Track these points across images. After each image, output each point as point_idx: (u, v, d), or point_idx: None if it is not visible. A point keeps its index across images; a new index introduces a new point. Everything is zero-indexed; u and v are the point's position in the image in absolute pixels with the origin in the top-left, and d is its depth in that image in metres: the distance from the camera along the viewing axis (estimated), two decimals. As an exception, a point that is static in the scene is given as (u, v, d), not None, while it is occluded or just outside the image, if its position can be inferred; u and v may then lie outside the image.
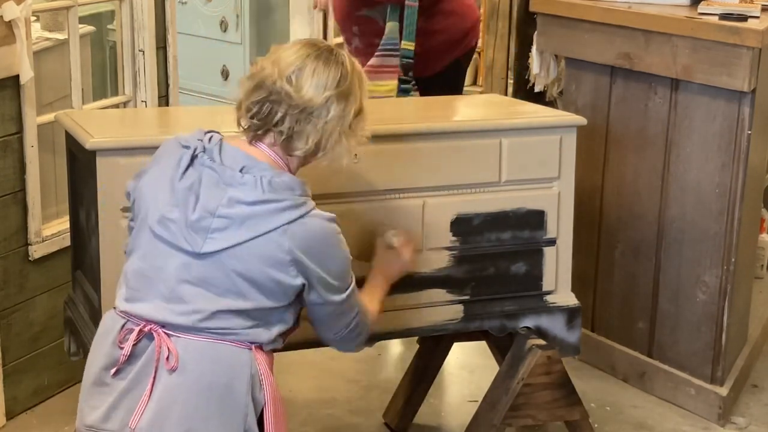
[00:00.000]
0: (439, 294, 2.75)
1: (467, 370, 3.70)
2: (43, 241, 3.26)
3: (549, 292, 2.86)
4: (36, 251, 3.25)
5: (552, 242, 2.83)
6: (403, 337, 3.04)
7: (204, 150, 2.16)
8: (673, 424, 3.42)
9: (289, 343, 2.57)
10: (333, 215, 2.18)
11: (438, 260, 2.73)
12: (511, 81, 4.98)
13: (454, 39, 3.73)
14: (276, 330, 2.17)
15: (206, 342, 2.09)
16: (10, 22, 3.00)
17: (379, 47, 3.60)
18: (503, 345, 2.92)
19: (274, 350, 2.22)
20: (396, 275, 2.54)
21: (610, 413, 3.46)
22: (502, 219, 2.77)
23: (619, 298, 3.65)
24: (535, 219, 2.80)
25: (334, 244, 2.17)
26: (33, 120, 3.18)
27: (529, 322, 2.85)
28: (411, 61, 3.59)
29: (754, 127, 3.25)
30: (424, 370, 3.27)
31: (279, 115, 2.14)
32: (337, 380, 3.62)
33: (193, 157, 2.15)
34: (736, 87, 3.19)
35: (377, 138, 2.62)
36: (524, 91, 4.75)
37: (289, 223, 2.09)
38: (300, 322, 2.25)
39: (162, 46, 3.67)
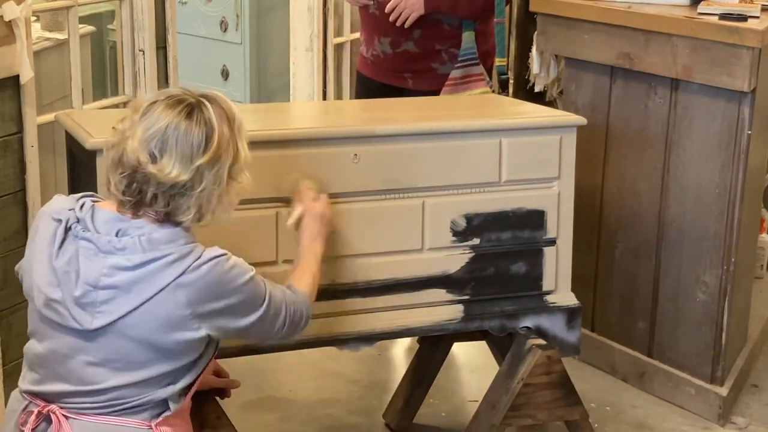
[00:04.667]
0: (439, 294, 2.75)
1: (467, 370, 3.70)
2: (43, 241, 3.26)
3: (549, 292, 2.86)
4: (36, 251, 3.24)
5: (552, 242, 2.83)
6: (403, 337, 3.04)
7: (78, 220, 2.04)
8: (673, 424, 3.42)
9: (288, 343, 2.58)
10: (222, 251, 2.06)
11: (438, 260, 2.73)
12: (511, 81, 4.98)
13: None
14: (182, 383, 2.09)
15: (102, 423, 2.03)
16: (10, 22, 3.00)
17: (459, 58, 3.61)
18: (503, 345, 2.92)
19: (182, 408, 2.13)
20: (316, 235, 2.43)
21: (610, 413, 3.46)
22: (502, 219, 2.77)
23: (619, 298, 3.65)
24: (535, 219, 2.80)
25: (231, 280, 2.06)
26: (33, 120, 3.18)
27: (529, 322, 2.85)
28: (507, 76, 3.67)
29: (754, 127, 3.25)
30: (424, 370, 3.27)
31: (150, 194, 2.01)
32: (337, 380, 3.62)
33: (67, 230, 2.04)
34: (736, 87, 3.19)
35: (377, 138, 2.63)
36: (524, 91, 4.75)
37: (178, 276, 1.99)
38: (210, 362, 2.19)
39: (162, 46, 3.68)
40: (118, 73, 3.71)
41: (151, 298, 1.99)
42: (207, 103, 2.06)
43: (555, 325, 2.87)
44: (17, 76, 3.10)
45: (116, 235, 2.01)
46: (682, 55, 3.28)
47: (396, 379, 3.38)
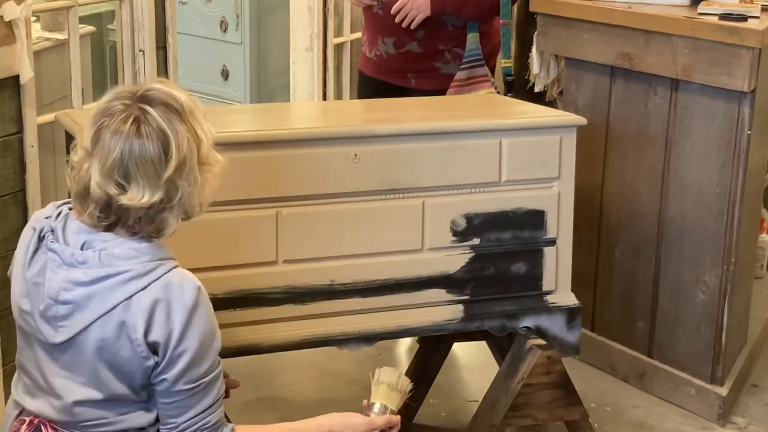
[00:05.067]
0: (439, 294, 2.75)
1: (467, 370, 3.70)
2: (43, 241, 3.26)
3: (549, 292, 2.86)
4: (36, 251, 3.24)
5: (552, 242, 2.84)
6: (403, 337, 3.04)
7: (51, 230, 2.00)
8: (673, 424, 3.42)
9: (289, 342, 2.58)
10: (193, 282, 1.96)
11: (438, 260, 2.73)
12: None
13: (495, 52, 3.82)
14: (156, 412, 2.02)
15: None
16: (10, 22, 3.00)
17: (464, 60, 3.63)
18: (503, 345, 2.92)
19: None
20: (336, 428, 2.29)
21: (610, 413, 3.46)
22: (502, 219, 2.77)
23: (619, 298, 3.65)
24: (535, 219, 2.80)
25: (191, 316, 1.94)
26: (33, 120, 3.18)
27: (529, 322, 2.85)
28: (512, 77, 3.68)
29: (754, 127, 3.25)
30: (424, 370, 3.27)
31: (132, 219, 1.94)
32: (337, 380, 3.61)
33: (41, 239, 2.01)
34: (736, 87, 3.19)
35: (377, 138, 2.63)
36: (524, 91, 4.75)
37: (131, 296, 1.91)
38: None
39: (162, 46, 3.67)
40: (118, 73, 3.71)
41: (103, 315, 1.93)
42: (149, 108, 1.93)
43: (555, 325, 2.87)
44: (17, 76, 3.10)
45: (81, 248, 1.96)
46: (682, 55, 3.28)
47: (396, 379, 3.37)
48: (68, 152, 2.66)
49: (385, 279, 2.69)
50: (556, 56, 3.84)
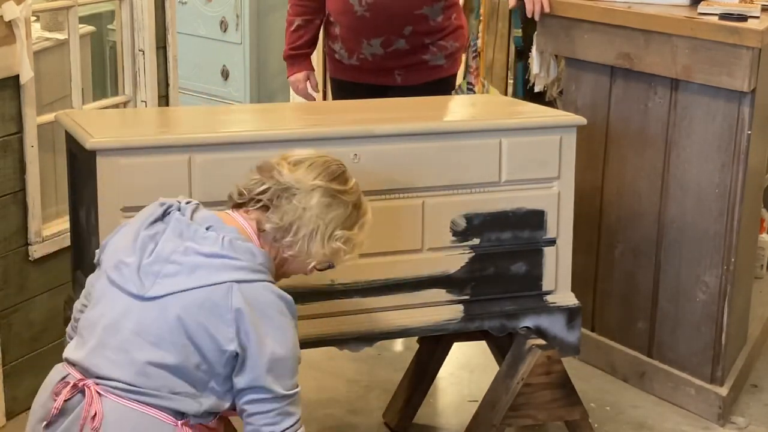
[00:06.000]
0: (439, 294, 2.75)
1: (467, 370, 3.70)
2: (43, 241, 3.26)
3: (549, 292, 2.86)
4: (36, 251, 3.24)
5: (552, 242, 2.84)
6: (403, 337, 3.04)
7: (179, 209, 2.17)
8: (673, 424, 3.42)
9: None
10: (292, 301, 2.12)
11: (438, 260, 2.73)
12: (511, 81, 4.98)
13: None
14: (206, 404, 2.08)
15: (131, 409, 2.04)
16: (10, 22, 3.00)
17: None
18: (503, 345, 2.92)
19: (208, 426, 2.13)
20: None
21: (610, 413, 3.46)
22: (502, 219, 2.77)
23: (619, 298, 3.65)
24: (535, 219, 2.80)
25: (282, 323, 2.09)
26: (33, 120, 3.18)
27: (529, 322, 2.85)
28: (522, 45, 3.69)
29: (753, 127, 3.25)
30: (424, 370, 3.27)
31: (264, 187, 2.18)
32: (337, 380, 3.62)
33: (166, 213, 2.16)
34: (735, 87, 3.19)
35: (377, 138, 2.63)
36: (524, 91, 4.75)
37: (239, 281, 2.05)
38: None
39: (162, 46, 3.68)
40: (118, 73, 3.71)
41: (206, 286, 2.04)
42: (354, 179, 2.27)
43: (555, 325, 2.87)
44: (17, 76, 3.10)
45: (206, 228, 2.11)
46: (682, 55, 3.28)
47: (396, 379, 3.38)
48: (68, 152, 2.67)
49: (385, 279, 2.69)
50: (556, 56, 3.84)
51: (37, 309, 3.30)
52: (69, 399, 2.07)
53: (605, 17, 3.45)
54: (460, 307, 2.78)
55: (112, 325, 2.07)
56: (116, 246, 2.14)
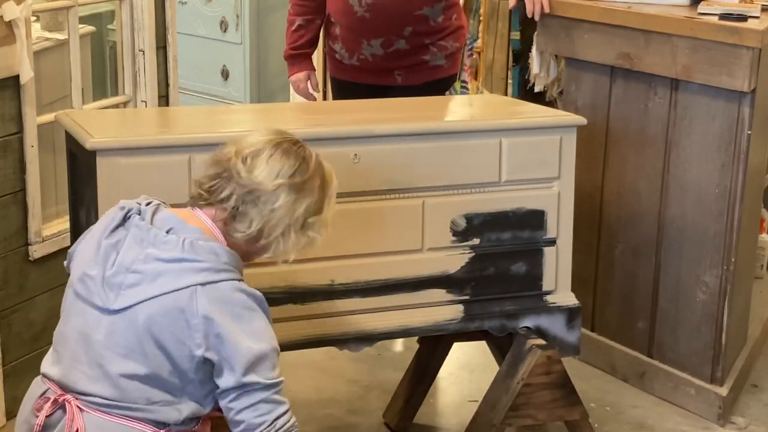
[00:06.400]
0: (439, 294, 2.75)
1: (467, 370, 3.70)
2: (43, 241, 3.26)
3: (549, 292, 2.86)
4: (36, 251, 3.24)
5: (552, 242, 2.84)
6: (403, 337, 3.04)
7: (139, 212, 2.12)
8: (673, 424, 3.42)
9: (289, 342, 2.58)
10: (262, 296, 2.07)
11: (438, 260, 2.73)
12: (511, 81, 4.98)
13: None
14: (186, 411, 2.06)
15: (113, 423, 2.03)
16: (10, 22, 3.00)
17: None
18: (503, 345, 2.92)
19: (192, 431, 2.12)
20: None
21: (610, 413, 3.46)
22: (502, 219, 2.77)
23: (619, 298, 3.65)
24: (535, 219, 2.80)
25: (253, 319, 2.04)
26: (33, 120, 3.18)
27: (529, 322, 2.85)
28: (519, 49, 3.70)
29: (754, 127, 3.25)
30: (424, 370, 3.27)
31: (226, 191, 2.09)
32: (337, 380, 3.62)
33: (126, 218, 2.11)
34: (735, 87, 3.19)
35: (377, 138, 2.63)
36: (524, 91, 4.75)
37: (203, 284, 2.01)
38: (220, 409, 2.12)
39: (162, 46, 3.68)
40: (118, 73, 3.71)
41: (169, 293, 2.00)
42: (311, 151, 2.17)
43: (555, 325, 2.87)
44: (17, 76, 3.10)
45: (167, 232, 2.06)
46: (682, 55, 3.28)
47: (396, 379, 3.38)
48: (68, 152, 2.67)
49: (385, 279, 2.69)
50: (556, 56, 3.84)
51: (37, 309, 3.30)
52: (50, 415, 2.06)
53: (605, 17, 3.45)
54: (460, 307, 2.78)
55: (83, 340, 2.05)
56: (82, 256, 2.11)
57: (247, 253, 2.16)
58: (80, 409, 2.04)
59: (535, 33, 3.73)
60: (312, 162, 2.15)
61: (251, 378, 2.04)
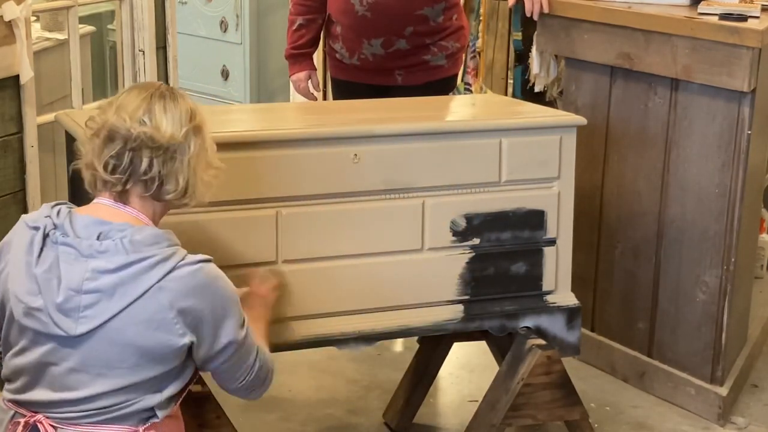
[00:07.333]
0: (439, 294, 2.75)
1: (467, 370, 3.70)
2: (43, 241, 3.26)
3: (549, 292, 2.86)
4: (36, 251, 3.24)
5: (552, 242, 2.84)
6: (403, 337, 3.04)
7: (55, 227, 2.01)
8: (673, 424, 3.42)
9: (289, 342, 2.58)
10: (207, 257, 2.04)
11: (438, 260, 2.73)
12: (511, 81, 4.98)
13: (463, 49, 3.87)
14: (168, 392, 2.05)
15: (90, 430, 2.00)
16: (10, 22, 3.01)
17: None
18: (503, 345, 2.92)
19: (170, 416, 2.09)
20: (258, 317, 2.34)
21: (610, 413, 3.46)
22: (502, 219, 2.77)
23: (619, 298, 3.65)
24: (535, 219, 2.80)
25: (215, 286, 2.03)
26: (33, 120, 3.18)
27: (529, 322, 2.85)
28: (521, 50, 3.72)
29: (754, 127, 3.25)
30: (424, 370, 3.27)
31: (145, 162, 2.00)
32: (337, 380, 3.62)
33: (45, 237, 2.00)
34: (735, 87, 3.19)
35: (377, 138, 2.63)
36: (524, 91, 4.75)
37: (162, 278, 1.96)
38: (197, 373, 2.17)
39: (162, 46, 3.68)
40: (118, 73, 3.71)
41: (135, 301, 1.95)
42: (179, 90, 2.13)
43: (555, 325, 2.87)
44: (17, 76, 3.10)
45: (97, 238, 1.98)
46: (682, 55, 3.29)
47: (396, 379, 3.38)
48: (68, 152, 2.67)
49: (384, 279, 2.69)
50: (556, 56, 3.84)
51: (37, 309, 3.30)
52: None
53: (605, 17, 3.45)
54: (460, 307, 2.78)
55: (50, 371, 2.00)
56: (15, 291, 1.99)
57: (166, 211, 2.12)
58: (54, 427, 2.00)
59: (535, 33, 3.74)
60: (188, 98, 2.12)
61: (227, 339, 2.07)
